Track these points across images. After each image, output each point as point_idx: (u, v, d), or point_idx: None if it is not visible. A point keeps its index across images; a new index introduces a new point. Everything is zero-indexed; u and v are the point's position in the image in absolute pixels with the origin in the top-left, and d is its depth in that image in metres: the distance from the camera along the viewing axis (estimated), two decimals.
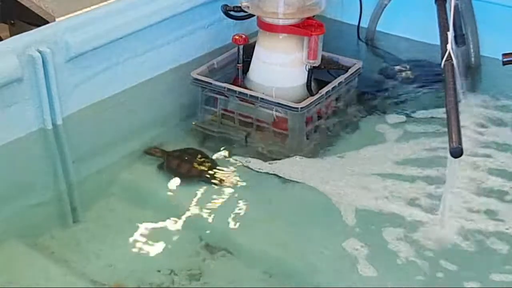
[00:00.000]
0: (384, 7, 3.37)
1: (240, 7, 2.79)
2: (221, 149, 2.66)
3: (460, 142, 2.11)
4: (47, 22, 2.89)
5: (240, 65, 2.86)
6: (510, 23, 3.13)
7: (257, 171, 2.54)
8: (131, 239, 2.25)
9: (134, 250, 2.22)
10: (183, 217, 2.35)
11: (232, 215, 2.37)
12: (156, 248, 2.23)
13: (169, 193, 2.47)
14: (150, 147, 2.65)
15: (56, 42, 2.67)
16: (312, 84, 2.75)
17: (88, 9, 2.88)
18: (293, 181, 2.50)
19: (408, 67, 3.19)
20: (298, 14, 2.69)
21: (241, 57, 2.85)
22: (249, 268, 2.17)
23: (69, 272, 2.12)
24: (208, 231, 2.30)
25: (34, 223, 2.33)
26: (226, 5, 2.86)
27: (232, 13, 2.86)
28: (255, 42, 2.82)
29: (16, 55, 2.55)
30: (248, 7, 2.75)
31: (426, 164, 2.56)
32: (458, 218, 2.31)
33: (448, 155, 2.14)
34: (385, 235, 2.26)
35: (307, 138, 2.67)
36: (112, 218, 2.35)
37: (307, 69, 2.71)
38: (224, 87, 2.71)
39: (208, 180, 2.50)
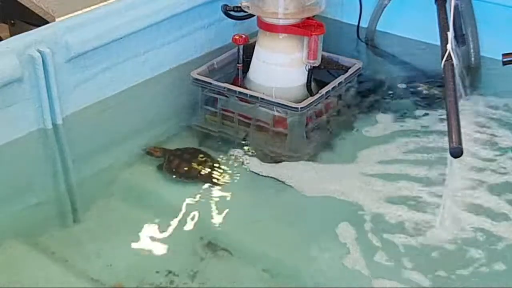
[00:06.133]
0: (384, 7, 3.37)
1: (240, 7, 2.79)
2: (221, 149, 2.66)
3: (460, 142, 2.11)
4: (47, 22, 2.89)
5: (240, 65, 2.86)
6: (510, 23, 3.13)
7: (257, 171, 2.54)
8: (131, 239, 2.25)
9: (134, 250, 2.22)
10: (183, 217, 2.35)
11: (232, 215, 2.37)
12: (156, 248, 2.23)
13: (169, 193, 2.47)
14: (150, 147, 2.65)
15: (56, 42, 2.67)
16: (312, 84, 2.75)
17: (88, 9, 2.88)
18: (293, 181, 2.49)
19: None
20: (298, 14, 2.69)
21: (241, 57, 2.85)
22: (249, 268, 2.17)
23: (69, 272, 2.12)
24: (208, 231, 2.30)
25: (34, 223, 2.33)
26: (226, 5, 2.86)
27: (232, 13, 2.86)
28: (255, 42, 2.82)
29: (16, 55, 2.56)
30: (248, 7, 2.75)
31: (426, 164, 2.56)
32: (458, 218, 2.31)
33: (448, 155, 2.14)
34: (384, 235, 2.26)
35: (307, 138, 2.67)
36: (112, 218, 2.35)
37: (307, 69, 2.72)
38: (224, 87, 2.71)
39: (208, 180, 2.50)
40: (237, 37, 2.81)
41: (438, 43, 2.52)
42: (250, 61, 2.83)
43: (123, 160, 2.63)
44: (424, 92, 3.03)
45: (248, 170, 2.55)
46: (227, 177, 2.52)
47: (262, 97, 2.64)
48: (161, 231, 2.29)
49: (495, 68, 2.98)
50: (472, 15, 3.13)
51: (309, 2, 2.72)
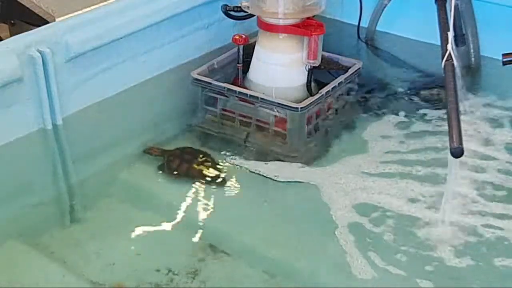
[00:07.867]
0: (384, 7, 3.37)
1: (240, 7, 2.79)
2: (221, 149, 2.65)
3: (460, 142, 2.11)
4: (47, 22, 2.89)
5: (240, 65, 2.86)
6: (510, 23, 3.13)
7: (257, 171, 2.54)
8: (131, 239, 2.25)
9: (134, 250, 2.22)
10: (183, 217, 2.35)
11: (232, 215, 2.37)
12: (155, 248, 2.23)
13: (169, 193, 2.47)
14: (150, 147, 2.65)
15: (56, 42, 2.67)
16: (312, 84, 2.75)
17: (88, 9, 2.88)
18: (293, 181, 2.49)
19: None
20: (298, 14, 2.69)
21: (241, 57, 2.85)
22: (248, 268, 2.17)
23: (68, 272, 2.12)
24: (207, 231, 2.30)
25: (34, 223, 2.33)
26: (226, 5, 2.86)
27: (232, 13, 2.86)
28: (255, 42, 2.82)
29: (16, 55, 2.55)
30: (248, 7, 2.75)
31: (427, 164, 2.56)
32: (458, 218, 2.31)
33: (449, 155, 2.14)
34: (385, 235, 2.26)
35: (307, 138, 2.67)
36: (112, 218, 2.35)
37: (307, 69, 2.72)
38: (224, 87, 2.71)
39: (208, 180, 2.50)
40: (237, 37, 2.81)
41: (438, 43, 2.52)
42: (250, 61, 2.83)
43: (123, 160, 2.63)
44: (424, 92, 3.03)
45: (247, 170, 2.55)
46: (227, 177, 2.52)
47: (262, 97, 2.64)
48: (161, 231, 2.29)
49: (495, 68, 2.97)
50: (472, 15, 3.13)
51: (309, 2, 2.72)
